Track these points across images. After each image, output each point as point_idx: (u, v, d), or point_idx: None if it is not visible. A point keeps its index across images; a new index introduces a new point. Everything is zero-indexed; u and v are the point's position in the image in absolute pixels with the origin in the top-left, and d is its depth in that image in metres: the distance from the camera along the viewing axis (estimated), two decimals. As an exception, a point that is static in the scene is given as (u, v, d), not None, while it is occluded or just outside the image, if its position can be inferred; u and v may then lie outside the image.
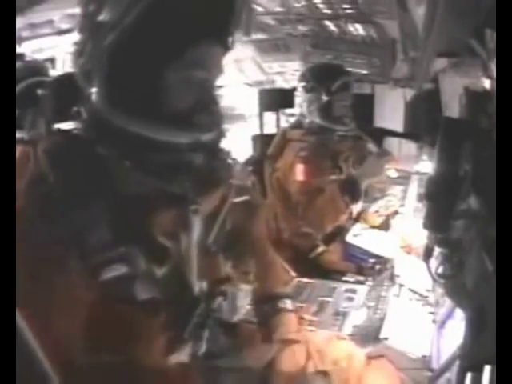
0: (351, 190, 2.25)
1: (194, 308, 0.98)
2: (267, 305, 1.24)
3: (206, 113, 0.91)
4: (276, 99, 3.01)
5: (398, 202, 2.57)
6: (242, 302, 1.08)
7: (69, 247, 0.83)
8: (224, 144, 1.00)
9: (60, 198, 0.84)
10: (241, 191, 1.11)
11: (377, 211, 2.48)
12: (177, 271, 0.95)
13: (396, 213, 2.51)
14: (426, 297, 1.73)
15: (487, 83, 1.11)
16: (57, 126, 0.99)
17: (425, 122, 2.15)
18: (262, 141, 2.69)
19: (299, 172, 2.23)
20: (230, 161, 1.10)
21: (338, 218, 2.30)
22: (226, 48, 0.92)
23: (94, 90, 0.88)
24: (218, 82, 0.97)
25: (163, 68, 0.86)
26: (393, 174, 2.59)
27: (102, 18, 0.84)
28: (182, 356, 0.98)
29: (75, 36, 0.92)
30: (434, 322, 1.56)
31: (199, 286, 0.99)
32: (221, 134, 0.96)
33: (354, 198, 2.28)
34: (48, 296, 0.83)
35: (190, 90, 0.88)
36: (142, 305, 0.88)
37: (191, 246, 0.97)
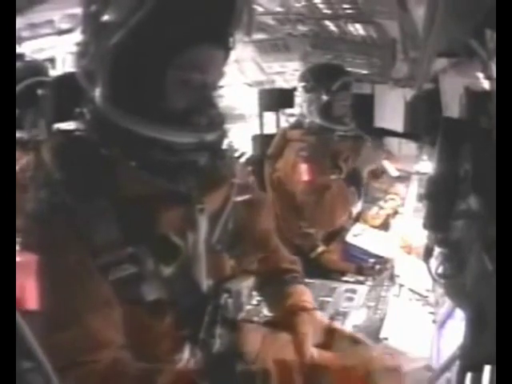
0: (355, 181, 2.26)
1: (204, 306, 0.98)
2: (276, 280, 1.21)
3: (205, 114, 0.91)
4: (276, 99, 3.01)
5: (400, 201, 2.56)
6: (246, 299, 1.08)
7: (79, 248, 0.84)
8: (226, 143, 1.01)
9: (66, 198, 0.85)
10: (243, 190, 1.11)
11: (377, 211, 2.49)
12: (185, 270, 0.95)
13: (396, 213, 2.51)
14: (426, 297, 1.74)
15: (487, 83, 1.11)
16: (57, 126, 0.99)
17: (425, 122, 2.15)
18: (262, 141, 2.69)
19: (304, 172, 2.23)
20: (232, 160, 1.11)
21: (348, 210, 2.31)
22: (228, 49, 0.92)
23: (97, 90, 0.88)
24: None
25: (165, 69, 0.86)
26: (394, 172, 2.58)
27: (105, 18, 0.84)
28: (194, 355, 0.99)
29: (75, 36, 0.93)
30: (434, 322, 1.56)
31: (207, 284, 1.00)
32: (224, 134, 0.97)
33: (358, 187, 2.29)
34: (72, 293, 0.84)
35: (188, 92, 0.89)
36: (150, 304, 0.89)
37: (199, 244, 0.97)
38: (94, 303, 0.85)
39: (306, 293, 1.18)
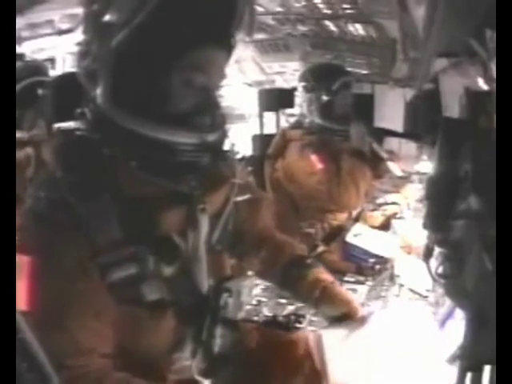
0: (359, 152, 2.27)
1: (205, 306, 0.99)
2: (298, 265, 1.25)
3: (208, 115, 0.91)
4: (276, 99, 3.00)
5: (405, 203, 2.55)
6: (246, 299, 1.09)
7: (79, 248, 0.84)
8: (227, 144, 1.01)
9: (67, 198, 0.85)
10: (243, 190, 1.12)
11: (375, 209, 2.48)
12: (185, 270, 0.96)
13: (396, 213, 2.51)
14: (426, 297, 1.73)
15: (487, 83, 1.11)
16: (58, 125, 0.99)
17: (425, 122, 2.14)
18: (262, 141, 2.68)
19: (315, 161, 2.23)
20: (233, 160, 1.11)
21: (368, 180, 2.30)
22: (230, 49, 0.92)
23: (98, 90, 0.88)
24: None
25: (168, 70, 0.86)
26: (398, 172, 2.56)
27: (107, 18, 0.84)
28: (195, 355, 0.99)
29: (75, 36, 0.93)
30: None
31: (208, 284, 1.00)
32: (225, 134, 0.97)
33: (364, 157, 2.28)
34: (61, 297, 0.83)
35: (191, 93, 0.89)
36: (151, 304, 0.89)
37: (199, 244, 0.98)
38: (84, 308, 0.84)
39: (328, 274, 1.25)
